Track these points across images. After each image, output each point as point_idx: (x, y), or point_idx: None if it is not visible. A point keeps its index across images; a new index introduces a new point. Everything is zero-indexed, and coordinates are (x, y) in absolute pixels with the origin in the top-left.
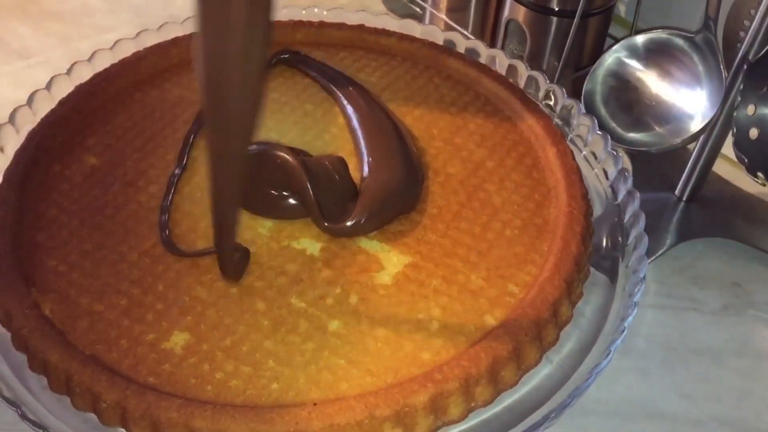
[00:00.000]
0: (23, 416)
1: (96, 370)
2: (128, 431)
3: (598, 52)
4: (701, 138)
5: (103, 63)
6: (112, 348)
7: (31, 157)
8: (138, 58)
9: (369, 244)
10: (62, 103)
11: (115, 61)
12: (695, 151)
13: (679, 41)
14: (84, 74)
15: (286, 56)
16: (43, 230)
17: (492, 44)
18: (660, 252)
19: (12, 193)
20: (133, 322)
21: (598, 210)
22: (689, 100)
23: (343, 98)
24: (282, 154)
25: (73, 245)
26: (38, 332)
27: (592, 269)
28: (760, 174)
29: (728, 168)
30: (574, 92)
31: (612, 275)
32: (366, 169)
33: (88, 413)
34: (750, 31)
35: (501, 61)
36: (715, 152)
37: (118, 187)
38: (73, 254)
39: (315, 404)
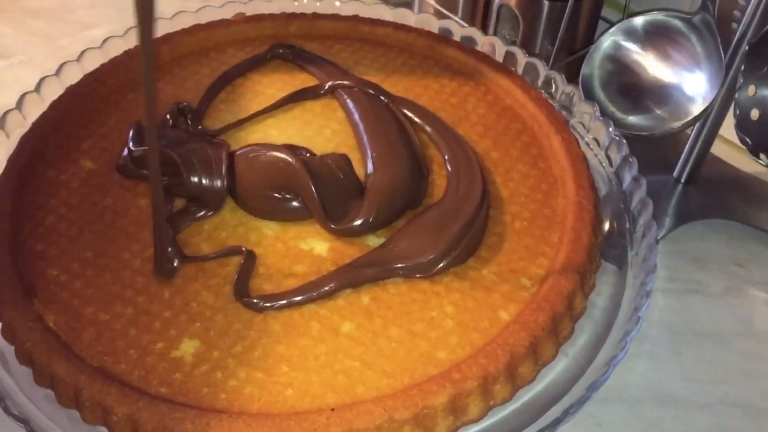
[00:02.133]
0: None
1: (105, 383)
2: None
3: (592, 34)
4: None
5: (92, 62)
6: (120, 359)
7: (25, 164)
8: (128, 56)
9: (377, 242)
10: (53, 105)
11: (105, 60)
12: (693, 133)
13: (677, 23)
14: (74, 74)
15: (281, 51)
16: (42, 239)
17: (484, 30)
18: (661, 235)
19: (7, 201)
20: (140, 331)
21: (602, 197)
22: (688, 82)
23: (342, 92)
24: (284, 156)
25: (73, 254)
26: (43, 345)
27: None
28: (762, 155)
29: (726, 149)
30: (569, 76)
31: (620, 263)
32: (370, 165)
33: (99, 427)
34: (747, 11)
35: (499, 49)
36: (713, 133)
37: (117, 192)
38: (74, 263)
39: (332, 409)
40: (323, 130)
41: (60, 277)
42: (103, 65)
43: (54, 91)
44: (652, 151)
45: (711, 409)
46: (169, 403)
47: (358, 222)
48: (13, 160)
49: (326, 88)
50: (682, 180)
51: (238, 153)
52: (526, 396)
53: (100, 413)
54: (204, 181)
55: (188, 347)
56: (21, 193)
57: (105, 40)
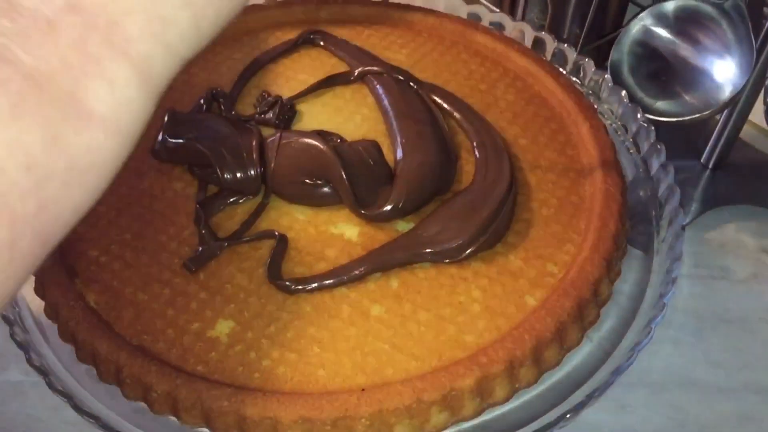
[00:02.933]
0: (76, 407)
1: (145, 361)
2: (178, 419)
3: (621, 19)
4: None
5: None
6: (158, 338)
7: None
8: None
9: (406, 227)
10: None
11: None
12: (722, 118)
13: (708, 8)
14: None
15: (312, 36)
16: (82, 221)
17: (512, 14)
18: (687, 221)
19: None
20: (177, 311)
21: (629, 183)
22: (718, 68)
23: (372, 78)
24: (315, 142)
25: (112, 236)
26: (85, 324)
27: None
28: None
29: (755, 134)
30: (597, 60)
31: (646, 249)
32: (399, 151)
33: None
34: None
35: (528, 35)
36: (742, 119)
37: (153, 176)
38: (113, 244)
39: (363, 390)
40: (353, 116)
41: (100, 258)
42: None
43: None
44: (679, 136)
45: (735, 395)
46: (205, 381)
47: (388, 207)
48: None
49: (356, 74)
50: (710, 165)
51: (269, 140)
52: (551, 380)
53: (140, 390)
54: (238, 174)
55: (223, 327)
56: None
57: None
